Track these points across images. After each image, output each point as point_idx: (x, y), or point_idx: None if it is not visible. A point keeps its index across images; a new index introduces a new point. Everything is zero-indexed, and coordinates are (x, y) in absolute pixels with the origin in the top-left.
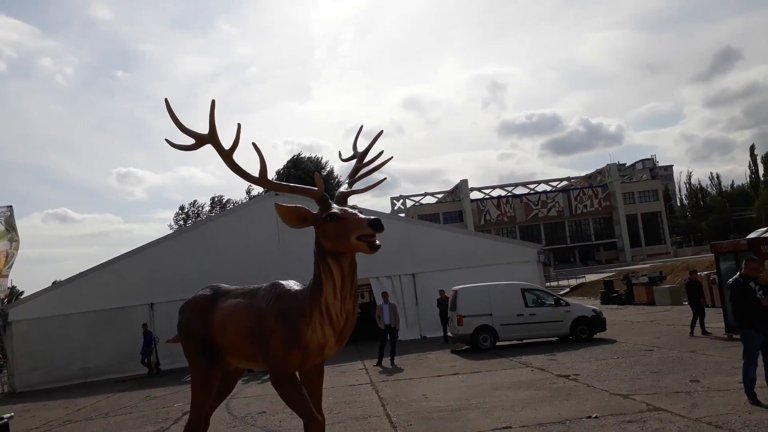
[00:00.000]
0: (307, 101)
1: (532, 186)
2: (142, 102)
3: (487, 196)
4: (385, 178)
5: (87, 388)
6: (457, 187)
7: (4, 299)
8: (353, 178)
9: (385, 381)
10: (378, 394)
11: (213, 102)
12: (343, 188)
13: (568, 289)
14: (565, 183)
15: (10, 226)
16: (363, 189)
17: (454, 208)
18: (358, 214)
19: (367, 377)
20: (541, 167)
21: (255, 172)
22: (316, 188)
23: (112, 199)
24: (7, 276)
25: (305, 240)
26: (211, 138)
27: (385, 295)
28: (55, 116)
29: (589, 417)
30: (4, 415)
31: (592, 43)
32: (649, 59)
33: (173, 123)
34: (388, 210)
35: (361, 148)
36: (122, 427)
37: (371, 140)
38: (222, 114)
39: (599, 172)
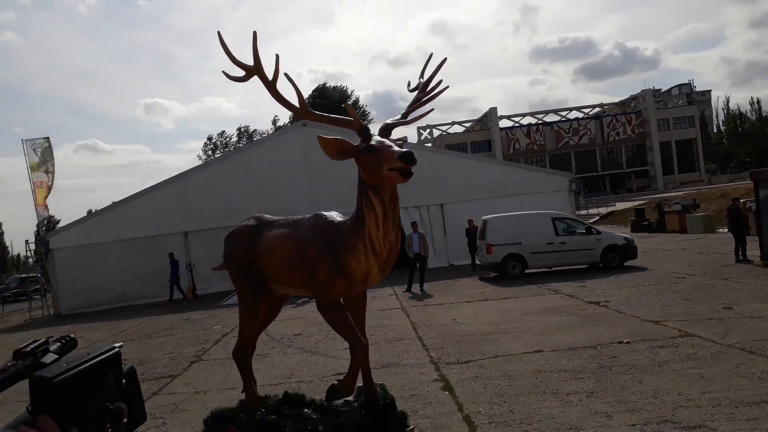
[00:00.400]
0: (330, 27)
1: (563, 113)
2: (164, 32)
3: (516, 125)
4: (432, 109)
5: (127, 312)
6: (485, 115)
7: (52, 224)
8: (412, 107)
9: (415, 306)
10: (409, 318)
11: (255, 34)
12: (391, 120)
13: (597, 218)
14: (597, 110)
15: (48, 157)
16: (408, 120)
17: (482, 137)
18: (393, 146)
19: (398, 302)
20: (574, 94)
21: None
22: (352, 119)
23: (140, 129)
24: (46, 207)
25: (332, 170)
26: (256, 69)
27: (414, 224)
28: (80, 47)
29: (620, 342)
30: (115, 344)
31: None
32: None
33: (226, 55)
34: (414, 140)
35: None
36: (165, 347)
37: (434, 68)
38: (245, 42)
39: (633, 98)
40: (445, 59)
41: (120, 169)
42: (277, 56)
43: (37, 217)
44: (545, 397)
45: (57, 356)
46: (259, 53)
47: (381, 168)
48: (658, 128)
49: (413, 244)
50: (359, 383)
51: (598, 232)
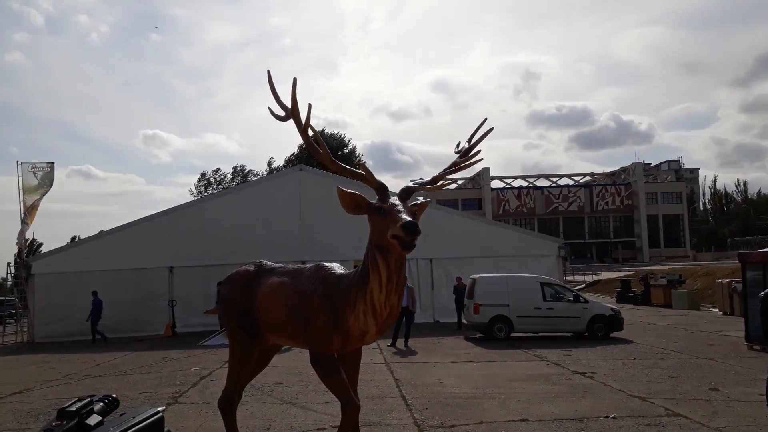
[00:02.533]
0: (334, 77)
1: (554, 179)
2: (169, 66)
3: (507, 186)
4: (457, 179)
5: (104, 345)
6: (478, 174)
7: (27, 252)
8: (449, 170)
9: (399, 362)
10: (393, 375)
11: (294, 80)
12: (413, 182)
13: (583, 285)
14: (587, 178)
15: (47, 182)
16: (431, 186)
17: (473, 195)
18: (403, 212)
19: (382, 357)
20: (567, 160)
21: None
22: (363, 175)
23: (136, 160)
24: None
25: (325, 217)
26: (293, 113)
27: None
28: (85, 73)
29: (607, 417)
30: (159, 408)
31: (629, 38)
32: (687, 58)
33: (272, 95)
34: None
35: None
36: (141, 386)
37: (479, 134)
38: (249, 84)
39: (623, 170)
40: (491, 129)
41: (110, 197)
42: (309, 105)
43: (18, 239)
44: None
45: (101, 417)
46: (283, 97)
47: (385, 232)
48: (646, 201)
49: (401, 301)
50: None
51: (586, 301)
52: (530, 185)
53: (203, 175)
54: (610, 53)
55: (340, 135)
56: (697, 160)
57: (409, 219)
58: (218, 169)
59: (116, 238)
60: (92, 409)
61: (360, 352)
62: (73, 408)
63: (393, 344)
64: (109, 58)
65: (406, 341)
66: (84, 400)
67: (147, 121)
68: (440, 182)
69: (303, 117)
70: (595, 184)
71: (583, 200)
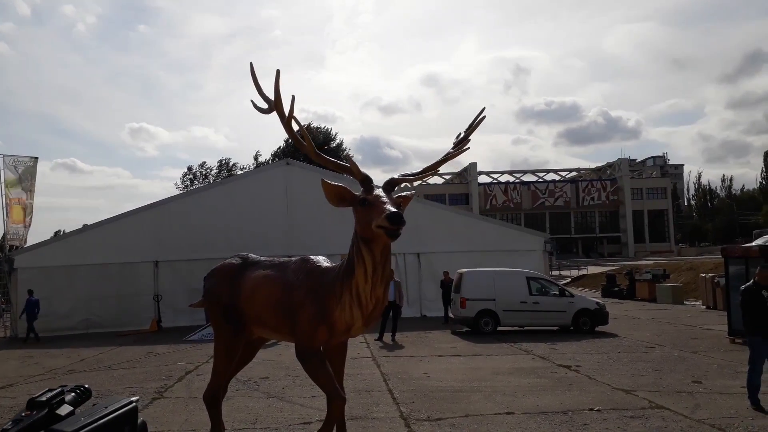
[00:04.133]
0: (321, 70)
1: (540, 174)
2: (155, 58)
3: (494, 181)
4: (442, 174)
5: (88, 339)
6: (465, 169)
7: (15, 247)
8: (438, 162)
9: (386, 356)
10: (380, 369)
11: (278, 72)
12: (399, 175)
13: (569, 280)
14: (574, 174)
15: (28, 176)
16: (413, 177)
17: (460, 190)
18: (388, 203)
19: (369, 351)
20: (555, 156)
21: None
22: (347, 166)
23: (123, 153)
24: (28, 226)
25: (312, 210)
26: (276, 105)
27: (391, 272)
28: (71, 65)
29: (591, 409)
30: (132, 398)
31: (619, 34)
32: (675, 54)
33: (254, 87)
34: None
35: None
36: (126, 380)
37: (473, 123)
38: (236, 77)
39: (609, 165)
40: (484, 117)
41: (95, 191)
42: (293, 97)
43: (5, 234)
44: None
45: (72, 408)
46: (268, 90)
47: (370, 223)
48: (631, 197)
49: (388, 292)
50: None
51: (571, 295)
52: (517, 180)
53: (189, 168)
54: (599, 49)
55: (327, 129)
56: (683, 156)
57: (393, 209)
58: (204, 162)
59: (100, 232)
60: (63, 399)
61: (346, 345)
62: (44, 398)
63: (380, 338)
64: (94, 50)
65: (393, 335)
66: (55, 390)
67: (133, 114)
68: (425, 174)
69: (287, 109)
70: (581, 180)
71: (569, 195)
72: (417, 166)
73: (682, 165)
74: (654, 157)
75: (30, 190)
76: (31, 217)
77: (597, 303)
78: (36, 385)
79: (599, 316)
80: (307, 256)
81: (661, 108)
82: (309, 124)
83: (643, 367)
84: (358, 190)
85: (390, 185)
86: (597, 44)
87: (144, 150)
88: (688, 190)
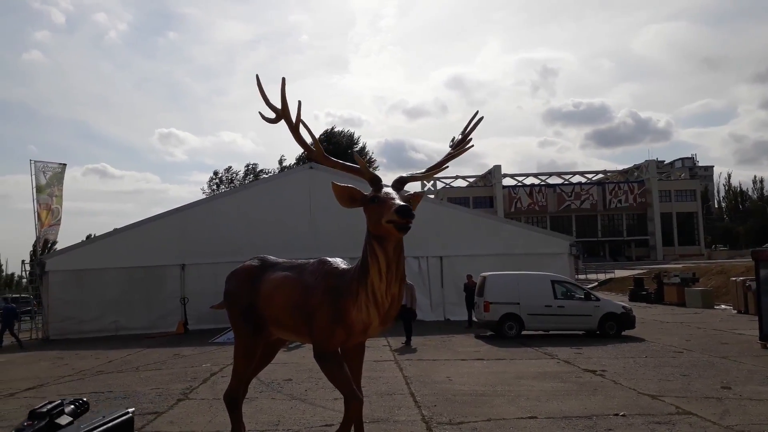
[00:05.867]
0: (345, 74)
1: (566, 176)
2: (181, 65)
3: (519, 184)
4: (447, 166)
5: (117, 341)
6: (489, 172)
7: (48, 246)
8: (445, 162)
9: (408, 360)
10: (402, 372)
11: (283, 80)
12: (407, 174)
13: (596, 283)
14: (600, 176)
15: (56, 182)
16: (424, 175)
17: (485, 193)
18: (396, 198)
19: (391, 354)
20: (583, 158)
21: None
22: (357, 166)
23: (152, 158)
24: (56, 226)
25: (335, 214)
26: (283, 113)
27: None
28: (102, 72)
29: (617, 414)
30: (129, 409)
31: (648, 34)
32: (706, 54)
33: (261, 97)
34: (416, 189)
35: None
36: (152, 382)
37: (469, 125)
38: (262, 81)
39: (636, 167)
40: (482, 117)
41: (125, 195)
42: (299, 102)
43: (37, 238)
44: None
45: (71, 419)
46: (287, 99)
47: (380, 220)
48: (660, 199)
49: (404, 290)
50: None
51: (597, 299)
52: (542, 183)
53: (215, 173)
54: (628, 49)
55: (350, 133)
56: (713, 157)
57: (402, 203)
58: (230, 167)
59: (129, 236)
60: (63, 410)
61: (363, 346)
62: (44, 409)
63: (407, 343)
64: (124, 57)
65: (408, 340)
66: (55, 402)
67: (161, 119)
68: (431, 173)
69: (294, 117)
70: (607, 182)
71: (595, 198)
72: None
73: (712, 167)
74: (683, 159)
75: (56, 195)
76: (59, 220)
77: (623, 307)
78: (66, 386)
79: (626, 320)
80: (325, 258)
81: (691, 108)
82: (333, 128)
83: (670, 372)
84: (368, 191)
85: (399, 183)
86: (625, 44)
87: (173, 155)
88: (718, 192)
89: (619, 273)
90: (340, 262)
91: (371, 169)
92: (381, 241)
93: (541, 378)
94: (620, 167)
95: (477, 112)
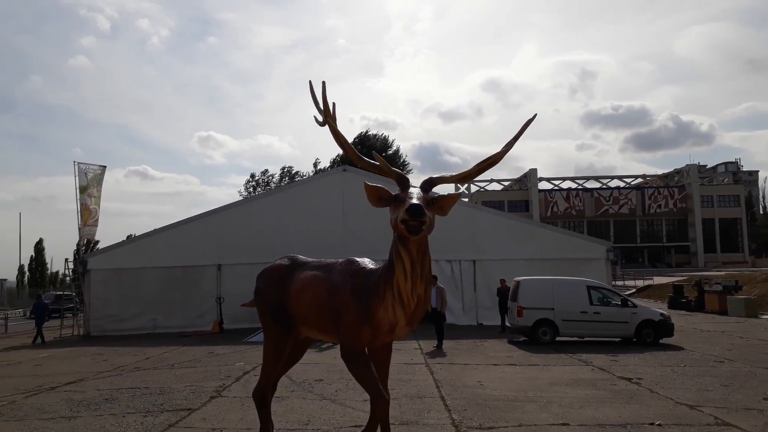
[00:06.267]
0: (380, 78)
1: (604, 181)
2: (220, 69)
3: (556, 188)
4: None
5: (154, 339)
6: (525, 175)
7: (91, 246)
8: (480, 165)
9: (439, 363)
10: (433, 375)
11: (323, 84)
12: (437, 175)
13: (634, 290)
14: (639, 180)
15: (95, 183)
16: (451, 178)
17: (520, 197)
18: (414, 198)
19: (422, 357)
20: (621, 162)
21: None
22: (397, 170)
23: (192, 161)
24: (95, 226)
25: (368, 216)
26: (326, 117)
27: (434, 278)
28: (142, 77)
29: (652, 424)
30: None
31: (690, 35)
32: (751, 55)
33: (313, 102)
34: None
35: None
36: (187, 379)
37: (522, 127)
38: (297, 87)
39: (677, 171)
40: (535, 116)
41: (165, 197)
42: (334, 104)
43: (80, 237)
44: None
45: None
46: (328, 102)
47: (398, 219)
48: (701, 204)
49: (431, 299)
50: None
51: (634, 305)
52: (579, 187)
53: (252, 176)
54: (669, 51)
55: (384, 136)
56: (759, 161)
57: (415, 202)
58: (266, 170)
59: (168, 236)
60: None
61: (390, 347)
62: None
63: (439, 346)
64: (165, 61)
65: (439, 344)
66: None
67: (200, 123)
68: (462, 175)
69: (332, 118)
70: (647, 187)
71: (634, 203)
72: None
73: (757, 171)
74: (726, 163)
75: (95, 196)
76: (96, 221)
77: (662, 314)
78: (104, 381)
79: (664, 327)
80: (353, 258)
81: (736, 111)
82: (367, 131)
83: (710, 382)
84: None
85: (429, 184)
86: (667, 46)
87: (212, 158)
88: (763, 198)
89: (658, 280)
90: (367, 262)
91: (402, 172)
92: (403, 240)
93: (574, 385)
94: (660, 171)
95: (535, 116)
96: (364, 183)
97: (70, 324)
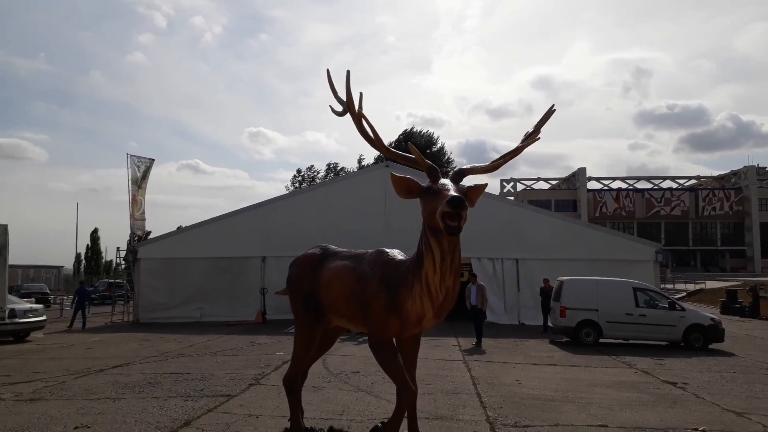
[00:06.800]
0: (428, 75)
1: (656, 181)
2: (269, 66)
3: (605, 187)
4: (515, 155)
5: (200, 327)
6: (573, 174)
7: (141, 237)
8: (506, 155)
9: (477, 361)
10: (470, 372)
11: (348, 73)
12: (467, 166)
13: (684, 294)
14: (693, 182)
15: (146, 175)
16: (481, 168)
17: (568, 196)
18: (451, 190)
19: (460, 354)
20: (676, 162)
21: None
22: (412, 156)
23: (242, 156)
24: (143, 219)
25: (409, 212)
26: (348, 106)
27: (473, 276)
28: (195, 73)
29: (695, 429)
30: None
31: (752, 33)
32: None
33: (330, 90)
34: (497, 191)
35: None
36: (228, 366)
37: (543, 119)
38: (344, 84)
39: (734, 173)
40: (554, 110)
41: (215, 190)
42: (360, 94)
43: (131, 227)
44: None
45: None
46: (352, 91)
47: (434, 212)
48: (759, 207)
49: (471, 296)
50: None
51: (682, 309)
52: (630, 187)
53: (298, 171)
54: (729, 49)
55: (429, 133)
56: None
57: (455, 193)
58: (312, 166)
59: (215, 228)
60: None
61: (419, 339)
62: None
63: (478, 344)
64: (217, 58)
65: (479, 342)
66: None
67: (250, 118)
68: (493, 166)
69: (357, 108)
70: (701, 188)
71: (687, 205)
72: (524, 171)
73: None
74: None
75: (142, 188)
76: (143, 213)
77: (712, 318)
78: (149, 366)
79: (714, 332)
80: (383, 249)
81: None
82: (412, 128)
83: (761, 390)
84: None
85: (459, 175)
86: (727, 44)
87: (261, 153)
88: None
89: (711, 284)
90: (397, 254)
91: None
92: (435, 233)
93: (616, 387)
94: (714, 173)
95: (552, 106)
96: (391, 174)
97: (121, 311)
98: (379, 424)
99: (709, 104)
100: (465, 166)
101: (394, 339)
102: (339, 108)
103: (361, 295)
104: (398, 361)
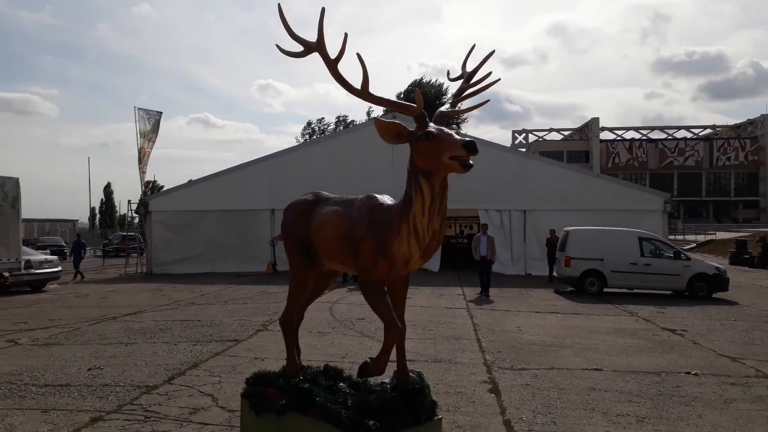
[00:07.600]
0: (438, 24)
1: (670, 131)
2: (276, 16)
3: (618, 138)
4: (488, 100)
5: (212, 277)
6: (586, 125)
7: (152, 188)
8: (457, 98)
9: (480, 309)
10: (472, 319)
11: (323, 9)
12: (445, 108)
13: (694, 245)
14: (708, 131)
15: (155, 128)
16: (464, 110)
17: (580, 147)
18: (454, 134)
19: (464, 303)
20: (693, 111)
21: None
22: (415, 105)
23: (252, 109)
24: (144, 172)
25: None
26: (318, 46)
27: (484, 226)
28: (202, 25)
29: (688, 373)
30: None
31: None
32: None
33: (284, 29)
34: (508, 143)
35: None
36: (237, 314)
37: (481, 60)
38: (353, 34)
39: (750, 122)
40: (493, 51)
41: (225, 144)
42: (345, 35)
43: (141, 180)
44: (593, 414)
45: None
46: (324, 30)
47: (441, 155)
48: None
49: (480, 247)
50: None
51: (687, 258)
52: (643, 138)
53: (308, 123)
54: None
55: (439, 83)
56: None
57: (467, 139)
58: (322, 118)
59: (224, 181)
60: None
61: (407, 280)
62: None
63: (483, 293)
64: (223, 8)
65: (486, 291)
66: None
67: (258, 71)
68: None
69: (338, 50)
70: (716, 138)
71: (701, 155)
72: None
73: None
74: None
75: (152, 141)
76: (144, 165)
77: (717, 268)
78: (160, 313)
79: (718, 281)
80: (372, 194)
81: None
82: (421, 79)
83: (759, 337)
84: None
85: (442, 118)
86: None
87: (271, 106)
88: None
89: (721, 235)
90: (386, 199)
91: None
92: (429, 176)
93: (615, 333)
94: (732, 122)
95: (474, 46)
96: (375, 119)
97: (134, 263)
98: (368, 360)
99: (730, 50)
100: (444, 109)
101: (383, 280)
102: (298, 48)
103: (351, 239)
104: (386, 301)
